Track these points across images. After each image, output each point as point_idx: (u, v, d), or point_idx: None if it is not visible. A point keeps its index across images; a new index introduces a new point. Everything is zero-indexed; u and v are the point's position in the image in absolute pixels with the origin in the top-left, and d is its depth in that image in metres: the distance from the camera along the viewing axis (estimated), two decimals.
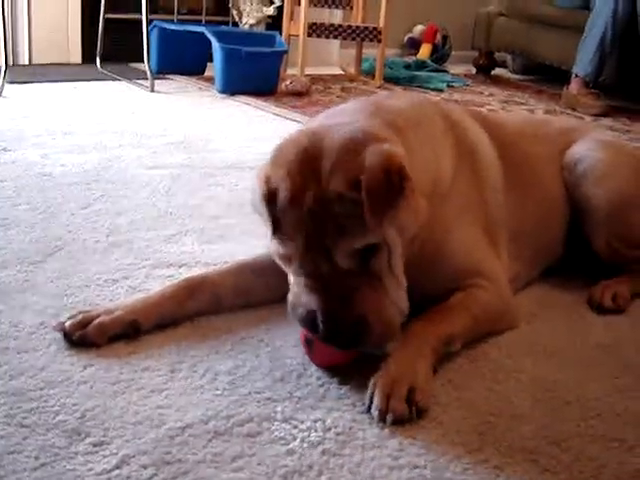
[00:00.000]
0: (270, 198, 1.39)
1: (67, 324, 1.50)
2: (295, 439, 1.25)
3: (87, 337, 1.48)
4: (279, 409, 1.33)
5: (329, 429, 1.28)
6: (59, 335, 1.50)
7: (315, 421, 1.30)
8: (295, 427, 1.28)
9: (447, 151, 1.68)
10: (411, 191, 1.39)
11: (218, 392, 1.37)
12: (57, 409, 1.28)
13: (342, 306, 1.36)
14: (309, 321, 1.39)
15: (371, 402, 1.33)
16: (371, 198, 1.33)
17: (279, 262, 1.47)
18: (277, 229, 1.39)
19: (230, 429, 1.27)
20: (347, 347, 1.40)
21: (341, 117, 1.55)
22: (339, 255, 1.36)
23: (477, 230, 1.71)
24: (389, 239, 1.39)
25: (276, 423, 1.29)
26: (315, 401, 1.36)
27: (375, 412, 1.32)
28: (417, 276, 1.58)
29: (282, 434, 1.26)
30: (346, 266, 1.37)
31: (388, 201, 1.36)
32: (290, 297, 1.46)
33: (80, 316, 1.52)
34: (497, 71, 6.15)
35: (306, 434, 1.27)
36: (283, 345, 1.56)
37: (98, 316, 1.52)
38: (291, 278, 1.47)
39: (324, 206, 1.35)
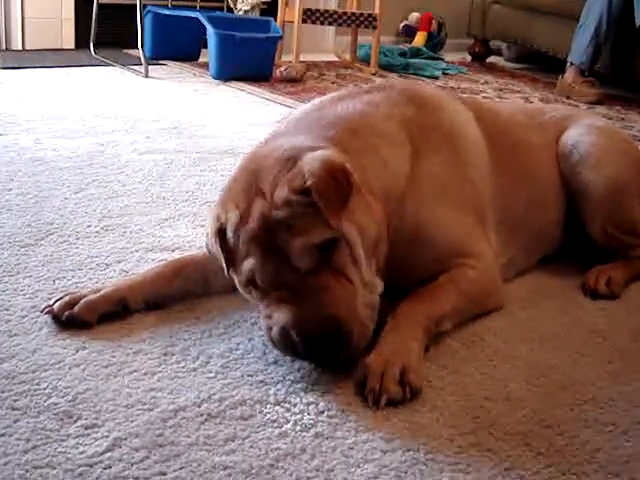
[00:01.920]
0: (220, 233, 1.42)
1: (55, 306, 1.51)
2: (288, 422, 1.25)
3: (75, 316, 1.48)
4: (272, 392, 1.33)
5: (322, 412, 1.28)
6: (50, 318, 1.50)
7: (308, 404, 1.30)
8: (288, 410, 1.28)
9: (400, 145, 1.65)
10: (358, 189, 1.41)
11: (211, 375, 1.37)
12: (49, 392, 1.28)
13: (313, 310, 1.33)
14: (285, 341, 1.36)
15: (364, 384, 1.33)
16: (324, 198, 1.34)
17: (246, 295, 1.47)
18: (232, 262, 1.42)
19: (223, 412, 1.26)
20: (331, 359, 1.37)
21: (278, 140, 1.55)
22: (295, 255, 1.35)
23: (458, 209, 1.69)
24: (348, 234, 1.39)
25: (269, 406, 1.29)
26: (308, 384, 1.36)
27: (369, 394, 1.31)
28: (403, 261, 1.59)
29: (275, 417, 1.26)
30: (305, 265, 1.35)
31: (340, 198, 1.37)
32: (263, 323, 1.43)
33: (67, 297, 1.52)
34: (492, 59, 6.14)
35: (299, 417, 1.26)
36: None
37: (85, 296, 1.52)
38: (261, 309, 1.44)
39: (273, 216, 1.36)
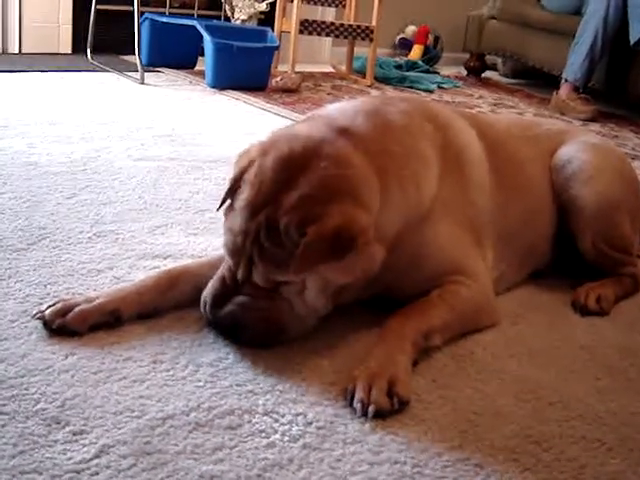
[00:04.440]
0: (235, 186, 1.52)
1: (47, 312, 1.49)
2: (276, 432, 1.25)
3: (67, 325, 1.47)
4: (261, 402, 1.33)
5: (310, 423, 1.28)
6: (41, 323, 1.49)
7: (296, 415, 1.30)
8: (276, 420, 1.28)
9: (432, 167, 1.67)
10: (365, 245, 1.43)
11: (200, 384, 1.36)
12: (37, 397, 1.27)
13: (223, 306, 1.50)
14: (202, 305, 1.54)
15: (352, 396, 1.33)
16: (307, 250, 1.38)
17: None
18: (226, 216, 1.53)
19: (211, 421, 1.26)
20: (228, 336, 1.51)
21: (336, 125, 1.56)
22: (258, 275, 1.46)
23: (459, 230, 1.70)
24: (308, 282, 1.46)
25: (257, 416, 1.29)
26: (297, 395, 1.36)
27: (357, 405, 1.32)
28: (398, 275, 1.61)
29: (263, 427, 1.26)
30: (261, 284, 1.47)
31: (324, 257, 1.40)
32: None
33: (60, 304, 1.51)
34: (487, 74, 6.16)
35: (287, 427, 1.26)
36: None
37: (78, 304, 1.51)
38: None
39: (269, 230, 1.42)
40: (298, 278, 1.44)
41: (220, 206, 1.56)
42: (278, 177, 1.45)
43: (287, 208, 1.41)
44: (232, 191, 1.52)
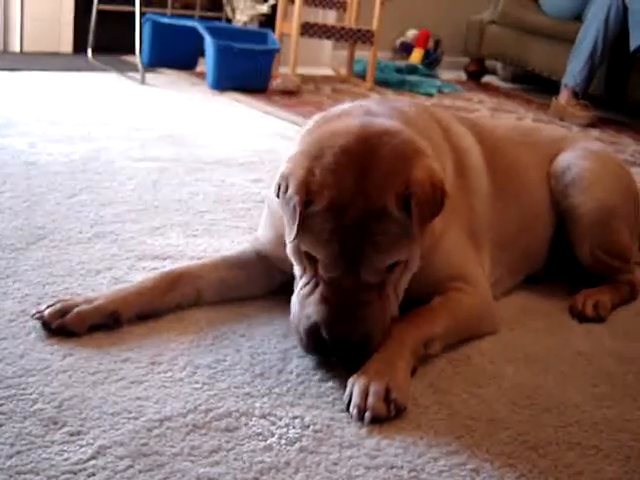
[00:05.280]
0: (305, 187, 1.37)
1: (46, 312, 1.49)
2: (273, 435, 1.25)
3: (66, 326, 1.47)
4: (258, 405, 1.33)
5: (307, 426, 1.28)
6: (39, 323, 1.49)
7: (293, 418, 1.30)
8: (273, 423, 1.28)
9: (447, 161, 1.69)
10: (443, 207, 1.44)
11: (197, 386, 1.37)
12: (35, 397, 1.28)
13: (349, 323, 1.40)
14: (313, 334, 1.41)
15: (350, 401, 1.34)
16: (420, 212, 1.37)
17: (292, 258, 1.47)
18: (303, 230, 1.38)
19: (208, 423, 1.26)
20: (349, 363, 1.42)
21: (375, 116, 1.55)
22: (369, 270, 1.39)
23: (462, 235, 1.71)
24: (413, 254, 1.44)
25: (254, 419, 1.29)
26: (294, 398, 1.36)
27: (353, 410, 1.32)
28: None
29: (260, 430, 1.26)
30: (372, 280, 1.41)
31: (430, 216, 1.42)
32: (295, 305, 1.47)
33: (59, 305, 1.51)
34: (487, 78, 6.17)
35: (284, 430, 1.27)
36: (264, 340, 1.55)
37: (77, 305, 1.51)
38: (299, 281, 1.48)
39: (366, 220, 1.37)
40: (407, 254, 1.43)
41: (297, 232, 1.38)
42: (351, 169, 1.38)
43: (379, 189, 1.38)
44: (303, 206, 1.37)
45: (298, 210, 1.36)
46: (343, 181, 1.38)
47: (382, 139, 1.43)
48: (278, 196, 1.43)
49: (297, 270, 1.49)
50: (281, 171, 1.43)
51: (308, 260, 1.43)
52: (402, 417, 1.34)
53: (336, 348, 1.40)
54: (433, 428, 1.33)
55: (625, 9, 4.57)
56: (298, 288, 1.48)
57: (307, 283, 1.45)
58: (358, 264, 1.38)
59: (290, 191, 1.38)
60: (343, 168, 1.39)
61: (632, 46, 4.53)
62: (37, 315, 1.50)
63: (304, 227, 1.38)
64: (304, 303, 1.44)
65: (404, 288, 1.50)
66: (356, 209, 1.37)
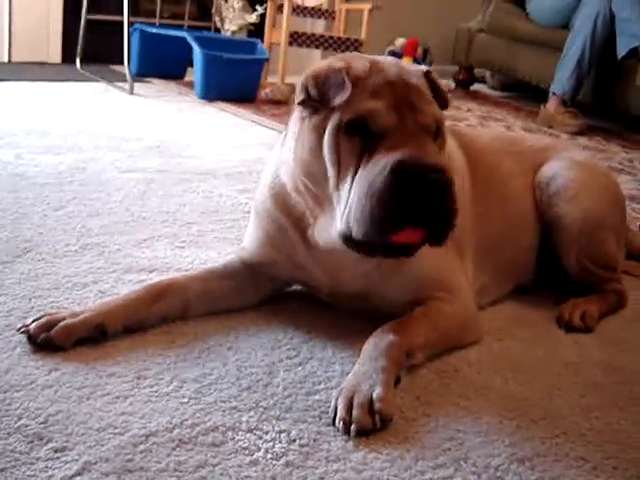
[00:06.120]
0: (349, 72, 1.47)
1: (32, 326, 1.48)
2: (259, 450, 1.25)
3: (52, 340, 1.46)
4: (244, 419, 1.32)
5: (294, 440, 1.28)
6: (25, 337, 1.48)
7: (280, 432, 1.30)
8: (260, 438, 1.28)
9: None
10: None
11: (184, 400, 1.36)
12: (20, 413, 1.27)
13: (431, 154, 1.41)
14: (398, 177, 1.36)
15: (335, 414, 1.33)
16: (439, 88, 1.57)
17: (330, 144, 1.45)
18: (345, 102, 1.44)
19: (194, 438, 1.26)
20: (435, 213, 1.39)
21: None
22: (424, 111, 1.46)
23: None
24: (444, 129, 1.53)
25: (241, 433, 1.28)
26: (281, 412, 1.36)
27: (339, 423, 1.31)
28: (382, 285, 1.61)
29: (246, 444, 1.26)
30: (429, 122, 1.46)
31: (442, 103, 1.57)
32: (362, 177, 1.41)
33: (45, 318, 1.50)
34: (476, 86, 6.19)
35: (270, 445, 1.26)
36: (251, 353, 1.55)
37: (63, 319, 1.50)
38: (355, 168, 1.44)
39: (409, 78, 1.49)
40: (442, 121, 1.52)
41: (349, 91, 1.45)
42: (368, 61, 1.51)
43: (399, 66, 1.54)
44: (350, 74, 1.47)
45: (343, 74, 1.45)
46: (365, 60, 1.52)
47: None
48: (301, 100, 1.50)
49: (333, 172, 1.46)
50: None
51: (360, 138, 1.43)
52: (389, 430, 1.33)
53: (432, 186, 1.36)
54: (420, 441, 1.32)
55: (612, 17, 4.59)
56: (347, 185, 1.43)
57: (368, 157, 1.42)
58: (415, 112, 1.45)
59: (333, 69, 1.47)
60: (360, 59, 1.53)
61: (619, 54, 4.56)
62: (23, 329, 1.50)
63: (352, 92, 1.44)
64: (373, 167, 1.40)
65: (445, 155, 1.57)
66: (397, 71, 1.49)
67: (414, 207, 1.36)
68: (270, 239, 1.70)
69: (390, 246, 1.42)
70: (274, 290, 1.78)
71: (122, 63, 4.39)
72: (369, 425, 1.31)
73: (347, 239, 1.44)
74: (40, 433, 1.22)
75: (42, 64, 4.92)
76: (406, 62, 6.13)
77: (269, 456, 1.23)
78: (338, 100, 1.44)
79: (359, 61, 1.50)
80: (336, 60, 1.53)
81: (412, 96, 1.46)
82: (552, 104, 4.84)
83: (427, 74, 1.57)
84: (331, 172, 1.45)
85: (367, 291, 1.65)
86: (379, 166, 1.38)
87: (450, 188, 1.39)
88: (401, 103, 1.44)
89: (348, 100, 1.43)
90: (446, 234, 1.43)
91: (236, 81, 4.34)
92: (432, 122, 1.46)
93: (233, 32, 5.15)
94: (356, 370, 1.42)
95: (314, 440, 1.29)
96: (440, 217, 1.40)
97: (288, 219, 1.63)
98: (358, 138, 1.43)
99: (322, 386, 1.45)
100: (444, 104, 1.57)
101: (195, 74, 4.40)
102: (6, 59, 4.85)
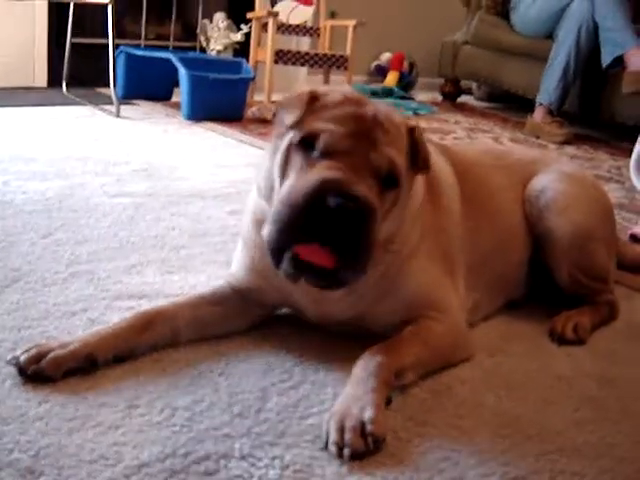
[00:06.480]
0: (313, 96, 1.52)
1: (21, 358, 1.47)
2: (253, 477, 1.24)
3: (42, 371, 1.45)
4: (237, 446, 1.31)
5: (287, 466, 1.27)
6: (15, 370, 1.47)
7: (273, 458, 1.29)
8: (253, 465, 1.27)
9: (420, 187, 1.70)
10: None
11: (176, 429, 1.35)
12: (11, 446, 1.25)
13: (360, 187, 1.41)
14: (315, 194, 1.38)
15: (328, 438, 1.32)
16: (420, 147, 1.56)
17: (279, 159, 1.50)
18: (302, 122, 1.49)
19: (187, 467, 1.24)
20: (346, 236, 1.40)
21: None
22: (382, 152, 1.46)
23: (433, 257, 1.71)
24: (403, 180, 1.51)
25: (234, 460, 1.27)
26: (274, 437, 1.35)
27: (332, 447, 1.30)
28: (370, 310, 1.62)
29: (239, 472, 1.24)
30: (381, 163, 1.46)
31: (423, 162, 1.58)
32: (287, 187, 1.45)
33: (34, 350, 1.48)
34: (463, 98, 6.21)
35: (264, 472, 1.25)
36: (242, 379, 1.54)
37: (53, 350, 1.48)
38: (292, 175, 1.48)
39: (378, 118, 1.49)
40: (402, 173, 1.51)
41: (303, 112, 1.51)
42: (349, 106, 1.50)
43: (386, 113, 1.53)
44: (313, 100, 1.51)
45: (306, 98, 1.50)
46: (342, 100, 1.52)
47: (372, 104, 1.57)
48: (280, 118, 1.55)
49: (278, 187, 1.50)
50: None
51: (305, 154, 1.46)
52: (383, 451, 1.32)
53: (340, 211, 1.37)
54: (414, 462, 1.31)
55: (596, 27, 4.62)
56: (286, 186, 1.47)
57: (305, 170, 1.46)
58: (367, 147, 1.45)
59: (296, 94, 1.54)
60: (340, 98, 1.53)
61: (604, 63, 4.59)
62: (12, 361, 1.48)
63: (313, 111, 1.49)
64: (302, 178, 1.44)
65: (401, 213, 1.56)
66: (365, 108, 1.50)
67: (321, 225, 1.38)
68: (255, 266, 1.70)
69: (298, 261, 1.42)
70: (263, 315, 1.77)
71: (108, 86, 4.39)
72: (362, 448, 1.30)
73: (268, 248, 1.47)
74: (32, 467, 1.21)
75: (28, 89, 4.91)
76: (392, 76, 6.19)
77: None
78: (288, 120, 1.50)
79: (336, 94, 1.52)
80: (316, 89, 1.55)
81: (376, 134, 1.47)
82: (539, 114, 4.86)
83: (412, 130, 1.57)
84: (277, 186, 1.50)
85: (356, 317, 1.65)
86: (306, 179, 1.42)
87: (365, 222, 1.41)
88: (360, 136, 1.46)
89: (304, 121, 1.48)
90: (359, 265, 1.44)
91: (222, 101, 4.34)
92: (385, 164, 1.47)
93: (219, 51, 5.16)
94: (346, 393, 1.42)
95: (308, 465, 1.28)
96: (351, 246, 1.41)
97: None
98: (304, 154, 1.47)
99: (315, 409, 1.44)
100: (423, 165, 1.58)
101: (181, 95, 4.41)
102: None
